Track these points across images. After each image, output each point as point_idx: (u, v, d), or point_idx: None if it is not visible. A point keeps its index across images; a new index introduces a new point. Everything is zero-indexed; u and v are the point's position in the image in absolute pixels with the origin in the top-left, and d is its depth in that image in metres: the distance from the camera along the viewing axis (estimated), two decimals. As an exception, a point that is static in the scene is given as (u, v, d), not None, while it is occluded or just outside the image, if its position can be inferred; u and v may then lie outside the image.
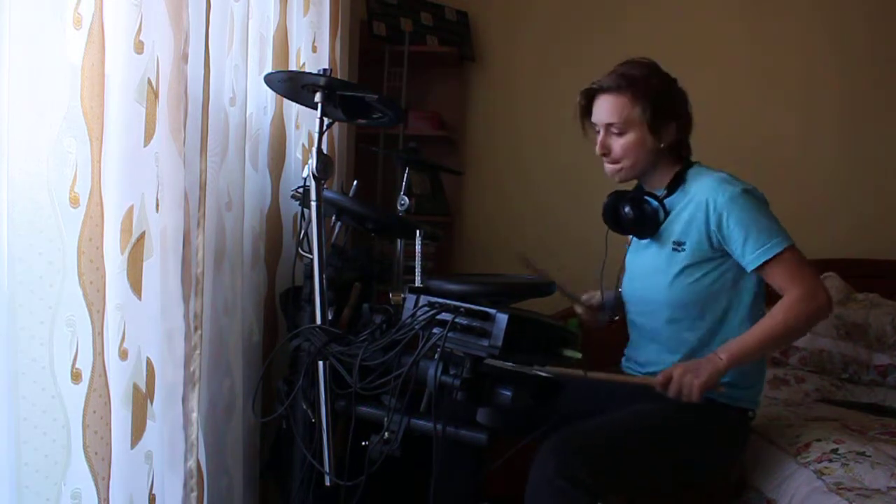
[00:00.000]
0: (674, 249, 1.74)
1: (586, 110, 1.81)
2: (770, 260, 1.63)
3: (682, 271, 1.72)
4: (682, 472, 1.71)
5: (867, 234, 3.12)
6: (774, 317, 1.64)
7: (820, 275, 2.83)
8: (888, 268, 3.01)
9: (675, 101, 1.77)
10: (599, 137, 1.78)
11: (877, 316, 2.74)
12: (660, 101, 1.73)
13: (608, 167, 1.80)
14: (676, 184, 1.78)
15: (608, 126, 1.75)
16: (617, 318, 1.96)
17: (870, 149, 3.16)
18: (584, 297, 1.94)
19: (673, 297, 1.73)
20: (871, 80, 3.16)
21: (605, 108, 1.76)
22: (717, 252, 1.70)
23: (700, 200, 1.70)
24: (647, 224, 1.77)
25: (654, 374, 1.79)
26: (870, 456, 1.68)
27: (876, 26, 3.15)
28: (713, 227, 1.68)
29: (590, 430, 1.60)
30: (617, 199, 1.83)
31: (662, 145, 1.75)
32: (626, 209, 1.79)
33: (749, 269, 1.67)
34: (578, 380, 1.67)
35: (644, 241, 1.82)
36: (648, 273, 1.80)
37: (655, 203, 1.77)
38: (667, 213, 1.76)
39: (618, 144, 1.75)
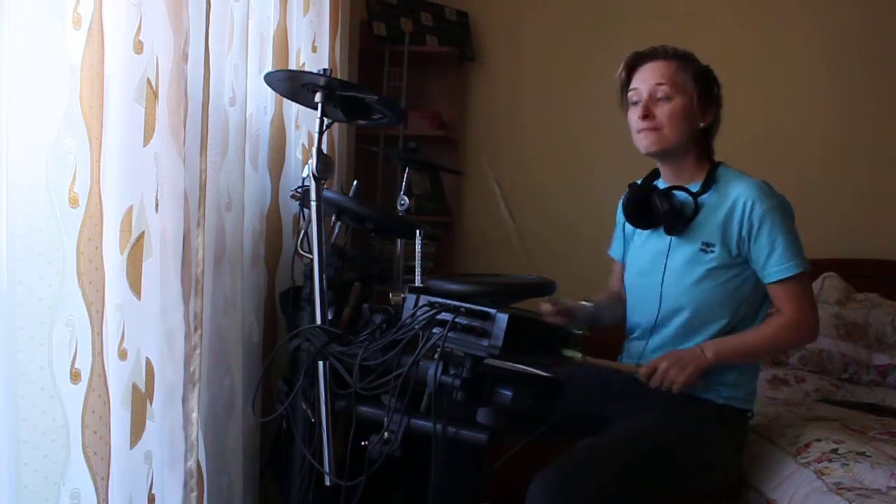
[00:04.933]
0: (702, 250, 1.71)
1: (626, 83, 1.76)
2: (784, 279, 1.66)
3: (708, 273, 1.70)
4: (682, 482, 1.69)
5: (868, 234, 3.12)
6: (766, 332, 1.70)
7: (821, 275, 2.86)
8: (888, 268, 3.01)
9: (716, 85, 1.77)
10: (642, 103, 1.72)
11: (877, 316, 2.74)
12: (706, 78, 1.75)
13: (645, 136, 1.72)
14: (710, 182, 1.74)
15: (656, 87, 1.71)
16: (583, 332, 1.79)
17: (870, 149, 3.16)
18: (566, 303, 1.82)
19: (693, 299, 1.71)
20: (870, 80, 3.16)
21: (653, 71, 1.72)
22: (741, 258, 1.70)
23: (737, 204, 1.68)
24: (680, 220, 1.72)
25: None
26: (870, 456, 1.68)
27: (867, 24, 3.16)
28: (744, 231, 1.67)
29: (584, 462, 1.54)
30: (641, 191, 1.77)
31: (702, 125, 1.74)
32: (661, 202, 1.73)
33: (766, 281, 1.68)
34: (577, 379, 1.66)
35: (667, 238, 1.76)
36: (670, 271, 1.75)
37: (684, 195, 1.73)
38: (697, 209, 1.72)
39: (663, 111, 1.71)
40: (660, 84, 1.71)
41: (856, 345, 2.69)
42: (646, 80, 1.73)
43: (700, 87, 1.73)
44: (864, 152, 3.17)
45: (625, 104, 1.79)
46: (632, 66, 1.76)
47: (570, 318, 1.78)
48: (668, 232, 1.75)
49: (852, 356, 2.68)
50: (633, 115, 1.75)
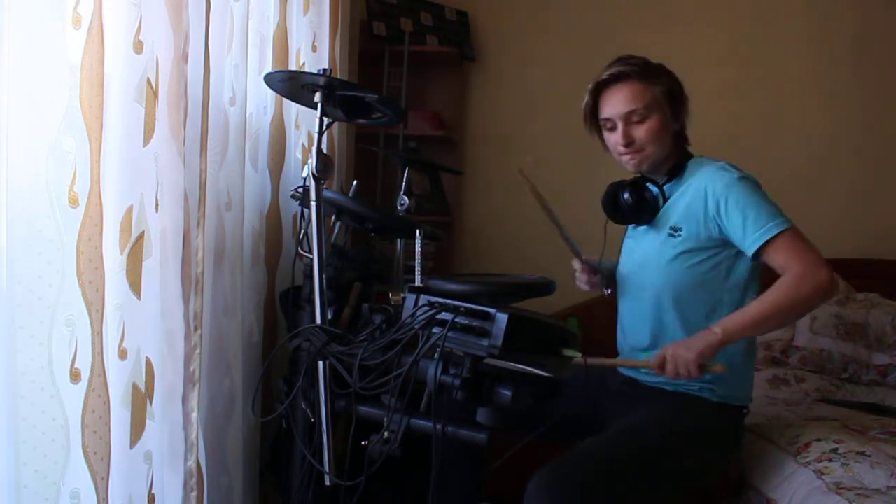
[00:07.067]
0: (670, 235, 1.74)
1: (594, 109, 1.79)
2: (770, 241, 1.62)
3: (677, 256, 1.72)
4: (680, 480, 1.69)
5: (867, 233, 3.12)
6: (774, 294, 1.61)
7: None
8: (888, 268, 3.01)
9: (680, 84, 1.78)
10: (619, 130, 1.75)
11: (877, 316, 2.74)
12: (672, 84, 1.76)
13: (630, 158, 1.77)
14: (676, 171, 1.79)
15: (629, 115, 1.73)
16: (609, 290, 1.95)
17: (870, 148, 3.16)
18: (584, 257, 1.91)
19: (666, 282, 1.73)
20: (868, 79, 3.16)
21: (622, 97, 1.73)
22: (713, 241, 1.70)
23: (699, 187, 1.71)
24: (646, 209, 1.78)
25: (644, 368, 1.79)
26: (870, 456, 1.68)
27: (859, 21, 3.16)
28: (712, 212, 1.68)
29: (581, 461, 1.54)
30: (617, 187, 1.82)
31: (677, 128, 1.78)
32: (626, 195, 1.79)
33: (750, 251, 1.65)
34: (574, 380, 1.66)
35: (642, 228, 1.82)
36: (644, 258, 1.80)
37: (655, 189, 1.78)
38: (665, 199, 1.77)
39: (641, 131, 1.74)
40: (632, 111, 1.73)
41: (856, 344, 2.69)
42: (616, 108, 1.74)
43: (670, 99, 1.75)
44: (864, 152, 3.17)
45: (594, 129, 1.82)
46: (597, 92, 1.77)
47: (595, 274, 1.89)
48: (637, 222, 1.81)
49: (852, 356, 2.68)
50: (612, 138, 1.78)
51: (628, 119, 1.73)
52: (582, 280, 1.94)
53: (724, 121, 3.05)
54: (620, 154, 1.78)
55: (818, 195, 3.13)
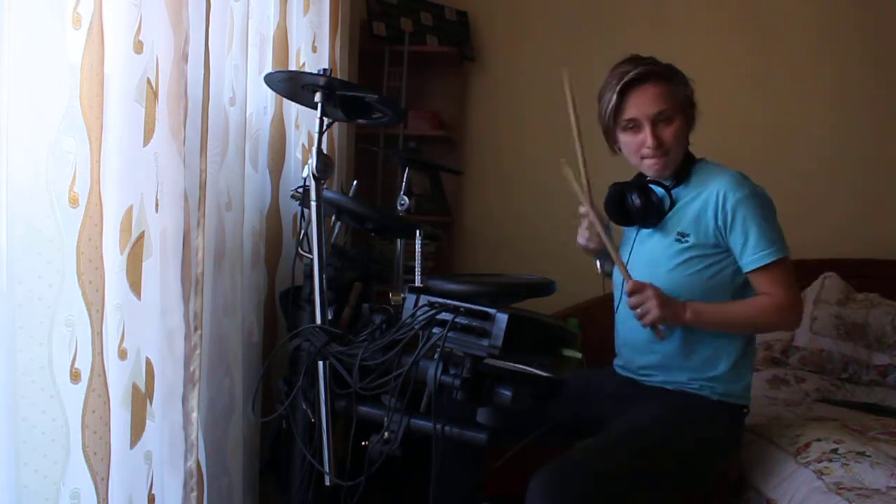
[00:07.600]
0: (677, 240, 1.73)
1: (617, 107, 1.73)
2: (763, 266, 1.67)
3: (683, 262, 1.72)
4: (680, 479, 1.69)
5: (868, 234, 3.12)
6: (752, 309, 1.71)
7: (821, 275, 2.86)
8: (888, 268, 3.01)
9: (691, 87, 1.78)
10: (647, 130, 1.71)
11: (877, 316, 2.74)
12: (687, 86, 1.76)
13: (655, 162, 1.74)
14: (684, 175, 1.78)
15: (657, 115, 1.70)
16: (601, 265, 1.95)
17: (870, 149, 3.16)
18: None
19: (670, 287, 1.71)
20: (869, 80, 3.16)
21: (653, 96, 1.70)
22: (719, 248, 1.71)
23: (711, 194, 1.70)
24: (653, 212, 1.76)
25: (643, 368, 1.79)
26: (870, 456, 1.68)
27: (865, 22, 3.17)
28: (720, 222, 1.69)
29: (582, 461, 1.55)
30: (622, 188, 1.81)
31: (689, 132, 1.78)
32: (634, 197, 1.77)
33: (745, 270, 1.69)
34: (573, 380, 1.66)
35: (645, 231, 1.81)
36: (648, 261, 1.79)
37: (661, 191, 1.77)
38: (673, 203, 1.76)
39: (668, 133, 1.72)
40: (661, 111, 1.71)
41: (856, 345, 2.69)
42: (644, 108, 1.71)
43: (690, 102, 1.76)
44: (864, 152, 3.16)
45: (614, 127, 1.77)
46: (624, 91, 1.72)
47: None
48: (643, 225, 1.80)
49: (852, 356, 2.68)
50: (635, 140, 1.74)
51: (656, 120, 1.71)
52: (583, 234, 1.89)
53: (729, 121, 3.04)
54: (645, 157, 1.74)
55: (821, 196, 3.13)
